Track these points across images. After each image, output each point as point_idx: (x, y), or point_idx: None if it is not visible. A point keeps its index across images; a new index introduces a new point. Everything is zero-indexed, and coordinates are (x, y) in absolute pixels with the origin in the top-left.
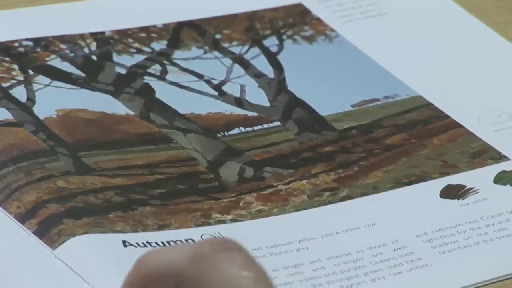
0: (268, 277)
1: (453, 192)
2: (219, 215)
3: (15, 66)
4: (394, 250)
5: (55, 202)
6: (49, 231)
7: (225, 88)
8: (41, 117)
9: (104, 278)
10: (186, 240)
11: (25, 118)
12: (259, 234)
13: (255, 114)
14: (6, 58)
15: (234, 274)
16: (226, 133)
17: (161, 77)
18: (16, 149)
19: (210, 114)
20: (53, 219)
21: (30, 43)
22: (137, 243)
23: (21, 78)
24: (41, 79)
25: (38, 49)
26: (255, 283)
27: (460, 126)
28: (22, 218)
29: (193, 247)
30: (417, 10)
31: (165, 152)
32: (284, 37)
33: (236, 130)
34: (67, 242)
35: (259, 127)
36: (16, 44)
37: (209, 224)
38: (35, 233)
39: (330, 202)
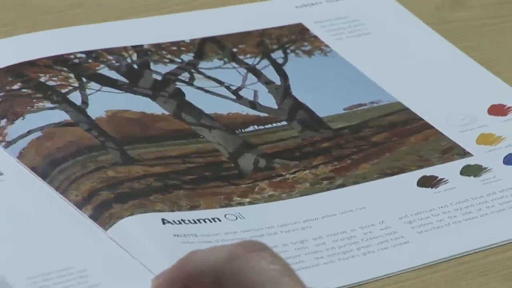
0: (291, 268)
1: (428, 182)
2: (238, 198)
3: (71, 75)
4: (381, 229)
5: (106, 189)
6: (102, 215)
7: (241, 93)
8: (93, 117)
9: (147, 252)
10: (213, 219)
11: (80, 118)
12: (271, 215)
13: (266, 115)
14: (64, 68)
15: (264, 268)
16: (243, 130)
17: (190, 83)
18: (74, 145)
19: (230, 114)
20: (104, 204)
21: (83, 55)
22: (173, 221)
23: (76, 85)
24: (93, 85)
25: (90, 60)
26: (281, 274)
27: (431, 127)
28: (80, 205)
29: (228, 249)
30: (394, 31)
31: (194, 145)
32: (288, 51)
33: (251, 128)
34: (117, 224)
35: (269, 125)
36: (72, 56)
37: (231, 205)
38: (90, 217)
39: (328, 189)
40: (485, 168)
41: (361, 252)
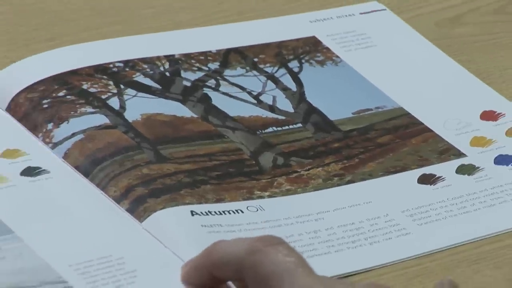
0: (305, 260)
1: (427, 180)
2: (259, 192)
3: (111, 82)
4: (385, 221)
5: (141, 185)
6: (137, 209)
7: (261, 98)
8: (130, 120)
9: (177, 242)
10: (236, 211)
11: (118, 122)
12: (288, 207)
13: (283, 117)
14: (104, 77)
15: (281, 260)
16: (263, 131)
17: (216, 89)
18: (112, 146)
19: (251, 117)
20: (140, 199)
21: (121, 64)
22: (201, 212)
23: (115, 91)
24: (130, 91)
25: (127, 69)
26: (296, 265)
27: (430, 130)
28: (118, 199)
29: (248, 242)
30: (398, 44)
31: (220, 145)
32: (303, 61)
33: (270, 129)
34: (151, 216)
35: (286, 127)
36: (111, 66)
37: (252, 198)
38: (127, 210)
39: (338, 185)
40: (478, 167)
41: (368, 242)
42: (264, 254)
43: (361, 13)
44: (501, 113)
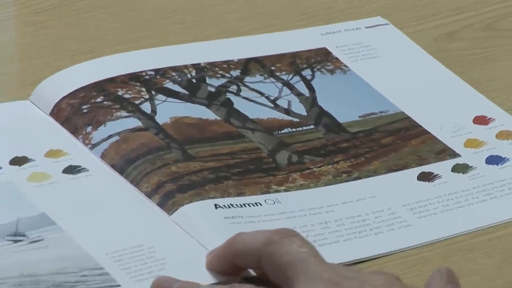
0: (316, 251)
1: (426, 177)
2: (276, 186)
3: (143, 89)
4: (388, 214)
5: (170, 182)
6: (167, 203)
7: (278, 102)
8: (160, 123)
9: (202, 232)
10: (255, 203)
11: (150, 124)
12: (301, 200)
13: (297, 120)
14: (137, 84)
15: (295, 251)
16: (279, 132)
17: (237, 94)
18: (145, 146)
19: (269, 119)
20: (169, 194)
21: (152, 72)
22: (224, 205)
23: (147, 96)
24: (160, 97)
25: (158, 76)
26: (309, 255)
27: (428, 133)
28: (149, 195)
29: (266, 235)
30: (399, 56)
31: (241, 144)
32: (315, 69)
33: (285, 130)
34: (179, 210)
35: (300, 128)
36: (144, 74)
37: (269, 192)
38: (158, 204)
39: (346, 181)
40: (471, 166)
41: (373, 232)
42: (280, 245)
43: (366, 27)
44: (491, 118)
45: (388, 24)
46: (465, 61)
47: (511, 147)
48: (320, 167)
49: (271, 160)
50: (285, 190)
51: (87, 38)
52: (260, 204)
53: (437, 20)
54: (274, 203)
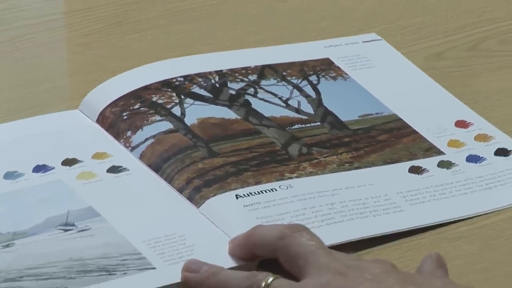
0: (323, 243)
1: (415, 170)
2: (288, 174)
3: (174, 94)
4: (385, 200)
5: (198, 178)
6: (195, 197)
7: (289, 102)
8: (189, 124)
9: (226, 222)
10: (271, 189)
11: (180, 126)
12: (311, 185)
13: (306, 117)
14: (169, 90)
15: (305, 243)
16: (290, 128)
17: (254, 95)
18: (175, 147)
19: (282, 116)
20: (197, 189)
21: (182, 79)
22: (244, 194)
23: (177, 101)
24: (188, 100)
25: (186, 82)
26: (317, 247)
27: (417, 133)
28: (180, 189)
29: (280, 229)
30: (393, 67)
31: (258, 140)
32: (320, 76)
33: (296, 126)
34: (205, 203)
35: (308, 125)
36: (174, 80)
37: (283, 179)
38: (188, 198)
39: (349, 169)
40: (454, 163)
41: (372, 214)
42: (292, 239)
43: (363, 42)
44: (470, 122)
45: (381, 39)
46: (450, 77)
47: (487, 148)
48: (326, 157)
49: (284, 152)
50: (297, 177)
51: (126, 57)
52: (275, 190)
53: (427, 42)
54: (287, 188)
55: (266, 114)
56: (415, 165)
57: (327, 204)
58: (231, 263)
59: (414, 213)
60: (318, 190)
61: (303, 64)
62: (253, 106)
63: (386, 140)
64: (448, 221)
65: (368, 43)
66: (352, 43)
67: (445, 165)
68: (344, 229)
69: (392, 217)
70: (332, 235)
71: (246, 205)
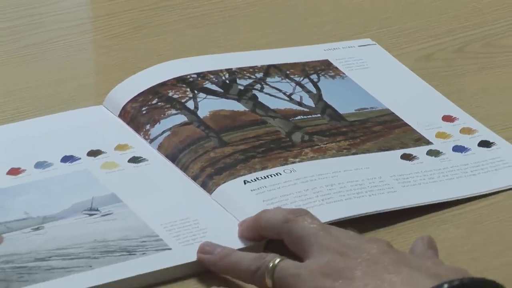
0: (325, 226)
1: (407, 157)
2: (292, 159)
3: (188, 89)
4: (379, 182)
5: (209, 166)
6: (208, 184)
7: (292, 96)
8: (201, 116)
9: (235, 206)
10: (276, 174)
11: (193, 119)
12: (312, 168)
13: (307, 110)
14: (183, 85)
15: (307, 226)
16: (294, 118)
17: (261, 90)
18: (189, 138)
19: (286, 109)
20: (209, 177)
21: (195, 76)
22: (251, 180)
23: (191, 95)
24: (201, 95)
25: (199, 79)
26: (318, 230)
27: (408, 125)
28: (194, 178)
29: (283, 214)
30: (386, 67)
31: (264, 129)
32: (320, 75)
33: (299, 117)
34: (216, 189)
35: (310, 116)
36: (188, 77)
37: (287, 164)
38: (201, 186)
39: (346, 155)
40: (442, 152)
41: (368, 194)
42: (295, 223)
43: (359, 46)
44: (456, 117)
45: (375, 44)
46: (439, 76)
47: (471, 140)
48: (326, 144)
49: (288, 139)
50: (299, 161)
51: (146, 58)
52: (280, 174)
53: (418, 45)
54: (291, 171)
55: (272, 107)
56: (407, 152)
57: (327, 185)
58: (240, 244)
59: (406, 194)
60: (318, 173)
61: (304, 64)
62: (260, 99)
63: (380, 130)
64: (436, 202)
65: (364, 47)
66: (349, 47)
67: (434, 153)
68: (342, 207)
69: (386, 197)
70: (331, 213)
71: (253, 189)
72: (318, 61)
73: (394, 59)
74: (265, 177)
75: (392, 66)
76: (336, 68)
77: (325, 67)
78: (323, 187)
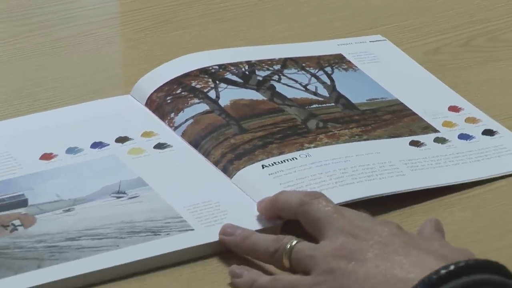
0: (338, 208)
1: (415, 143)
2: (307, 145)
3: (210, 80)
4: (389, 166)
5: (230, 152)
6: (228, 169)
7: (308, 87)
8: (222, 105)
9: (254, 189)
10: (292, 158)
11: (215, 107)
12: (326, 154)
13: (322, 99)
14: (206, 76)
15: (322, 209)
16: (309, 107)
17: (278, 81)
18: (211, 126)
19: (302, 98)
20: (229, 162)
21: (217, 67)
22: (269, 164)
23: (212, 85)
24: (222, 85)
25: (221, 70)
26: (333, 212)
27: (416, 114)
28: (216, 163)
29: (300, 196)
30: (395, 61)
31: (281, 117)
32: (334, 67)
33: (314, 106)
34: (236, 174)
35: (325, 105)
36: (210, 68)
37: (302, 149)
38: (222, 170)
39: (359, 141)
40: (448, 139)
41: (378, 177)
42: (310, 205)
43: (370, 41)
44: (461, 107)
45: (386, 40)
46: (445, 69)
47: (476, 129)
48: (339, 130)
49: (303, 126)
50: (314, 147)
51: (171, 51)
52: (296, 159)
53: (425, 39)
54: (306, 156)
55: (289, 96)
56: (415, 139)
57: (340, 169)
58: (259, 225)
59: (414, 177)
60: (332, 157)
61: (319, 58)
62: (277, 89)
63: (389, 119)
64: (443, 185)
65: (374, 43)
66: (361, 42)
67: (440, 140)
68: (354, 190)
69: (395, 180)
70: (344, 195)
71: (271, 174)
72: (332, 55)
73: (403, 53)
74: (282, 162)
75: (401, 60)
76: (349, 61)
77: (338, 61)
78: (336, 171)
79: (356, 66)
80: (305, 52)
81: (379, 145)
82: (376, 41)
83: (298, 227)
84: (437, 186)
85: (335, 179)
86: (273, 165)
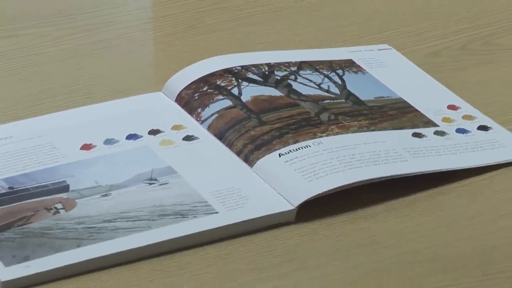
0: None
1: (417, 135)
2: (320, 134)
3: (233, 79)
4: (394, 153)
5: (250, 143)
6: (249, 158)
7: (321, 86)
8: (244, 100)
9: (271, 176)
10: (306, 146)
11: (237, 103)
12: (337, 141)
13: (334, 95)
14: (229, 75)
15: None
16: (322, 102)
17: (295, 80)
18: (234, 120)
19: (315, 94)
20: (250, 152)
21: (240, 68)
22: (285, 152)
23: (235, 83)
24: (244, 83)
25: (243, 70)
26: None
27: (418, 111)
28: (238, 153)
29: None
30: (399, 66)
31: (297, 110)
32: (345, 70)
33: (326, 101)
34: (256, 163)
35: (336, 101)
36: (234, 68)
37: (315, 138)
38: (244, 160)
39: (366, 131)
40: (447, 133)
41: (383, 162)
42: None
43: (378, 49)
44: (459, 106)
45: (391, 48)
46: (445, 70)
47: (472, 125)
48: (349, 122)
49: (317, 118)
50: (326, 136)
51: (198, 53)
52: (309, 146)
53: (426, 43)
54: (319, 144)
55: (304, 93)
56: (417, 132)
57: (349, 155)
58: (274, 210)
59: (416, 163)
60: (342, 145)
61: (331, 62)
62: (294, 87)
63: (394, 114)
64: (441, 170)
65: (382, 51)
66: (369, 50)
67: (440, 133)
68: (361, 172)
69: (399, 165)
70: (352, 176)
71: (287, 161)
72: (343, 60)
73: (408, 60)
74: (296, 150)
75: (405, 66)
76: (359, 66)
77: (349, 65)
78: (345, 156)
79: (365, 70)
80: (319, 57)
81: (385, 135)
82: (383, 49)
83: (311, 213)
84: (437, 171)
85: (344, 164)
86: (288, 153)
